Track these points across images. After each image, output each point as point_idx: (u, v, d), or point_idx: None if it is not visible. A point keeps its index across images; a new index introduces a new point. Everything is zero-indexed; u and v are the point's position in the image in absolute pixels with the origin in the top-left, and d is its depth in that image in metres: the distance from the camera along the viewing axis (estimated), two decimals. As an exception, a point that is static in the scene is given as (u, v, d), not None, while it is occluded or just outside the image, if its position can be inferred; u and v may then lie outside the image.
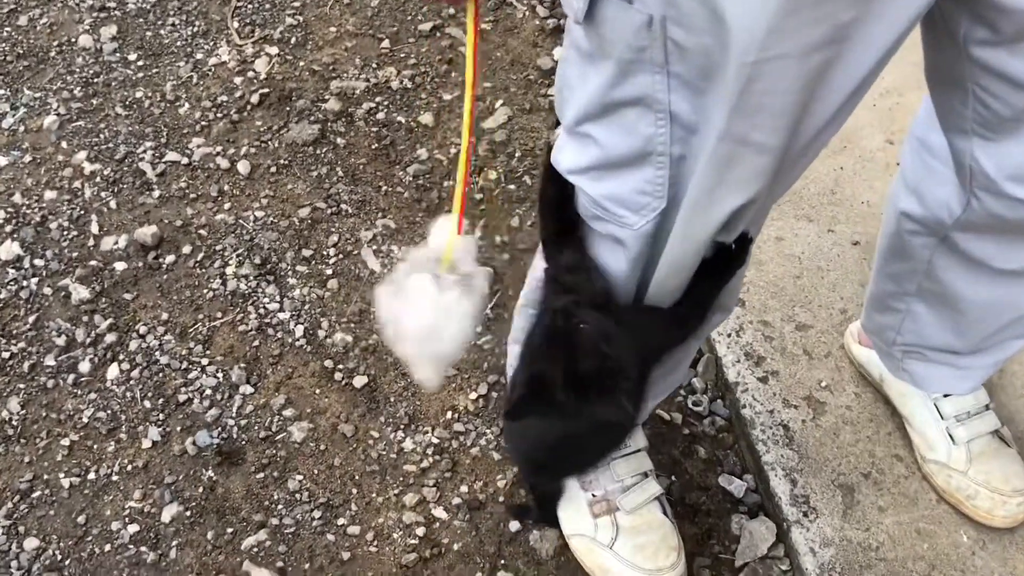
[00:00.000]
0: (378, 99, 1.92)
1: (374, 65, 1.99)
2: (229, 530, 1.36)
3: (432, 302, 0.91)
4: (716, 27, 0.73)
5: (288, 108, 1.90)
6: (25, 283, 1.63)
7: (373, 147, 1.84)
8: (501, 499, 1.39)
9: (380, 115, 1.89)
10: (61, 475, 1.42)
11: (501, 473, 1.42)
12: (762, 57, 0.72)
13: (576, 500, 1.30)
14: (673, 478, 1.43)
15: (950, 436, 1.33)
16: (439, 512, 1.38)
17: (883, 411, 1.45)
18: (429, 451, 1.44)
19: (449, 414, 1.49)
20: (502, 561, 1.34)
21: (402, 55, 2.02)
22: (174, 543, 1.35)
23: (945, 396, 1.34)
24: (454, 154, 1.84)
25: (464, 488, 1.40)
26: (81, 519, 1.37)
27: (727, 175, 0.81)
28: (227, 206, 1.74)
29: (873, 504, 1.36)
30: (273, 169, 1.80)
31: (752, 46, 0.72)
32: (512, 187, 1.79)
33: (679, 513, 1.37)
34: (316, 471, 1.42)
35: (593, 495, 1.29)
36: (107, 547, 1.35)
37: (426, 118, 1.89)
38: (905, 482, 1.38)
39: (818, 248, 1.66)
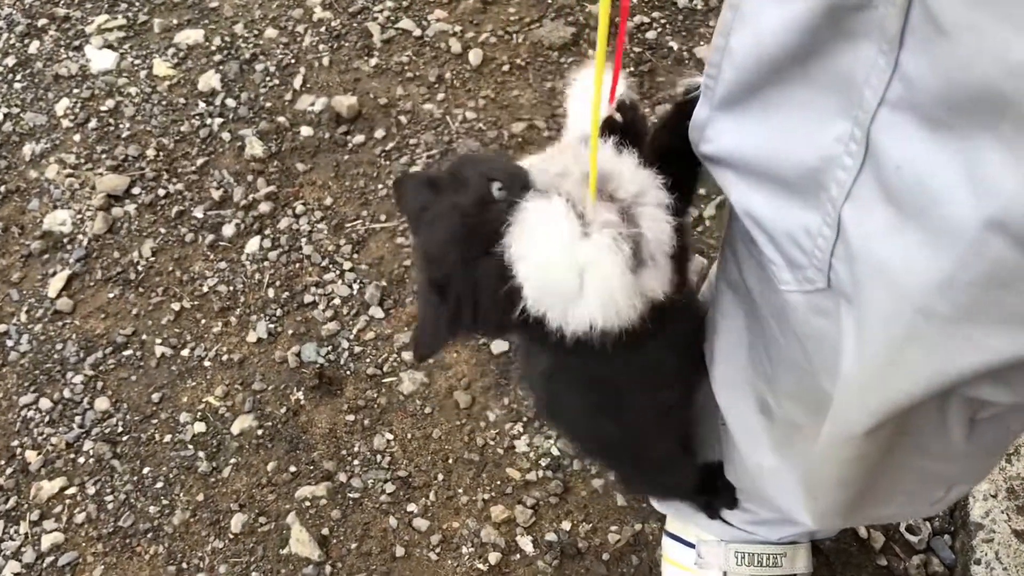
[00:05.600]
0: (655, 14, 1.56)
1: (669, -27, 1.63)
2: (292, 468, 1.16)
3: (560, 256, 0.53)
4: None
5: (551, 1, 1.60)
6: (209, 120, 1.48)
7: (628, 70, 1.50)
8: (605, 556, 1.08)
9: (651, 33, 1.53)
10: (158, 341, 1.27)
11: (617, 525, 1.10)
12: None
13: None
14: (839, 619, 1.04)
15: None
16: (525, 542, 1.09)
17: None
18: (543, 462, 1.14)
19: (587, 424, 1.18)
20: (575, 636, 1.03)
21: (707, -31, 1.63)
22: (232, 460, 1.17)
23: None
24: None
25: (566, 525, 1.10)
26: (156, 396, 1.23)
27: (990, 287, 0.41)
28: (440, 97, 1.49)
29: None
30: (506, 68, 1.52)
31: None
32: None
33: (828, 671, 0.99)
34: (409, 436, 1.18)
35: (711, 611, 0.95)
36: (167, 438, 1.19)
37: (704, 50, 1.51)
38: None
39: None
